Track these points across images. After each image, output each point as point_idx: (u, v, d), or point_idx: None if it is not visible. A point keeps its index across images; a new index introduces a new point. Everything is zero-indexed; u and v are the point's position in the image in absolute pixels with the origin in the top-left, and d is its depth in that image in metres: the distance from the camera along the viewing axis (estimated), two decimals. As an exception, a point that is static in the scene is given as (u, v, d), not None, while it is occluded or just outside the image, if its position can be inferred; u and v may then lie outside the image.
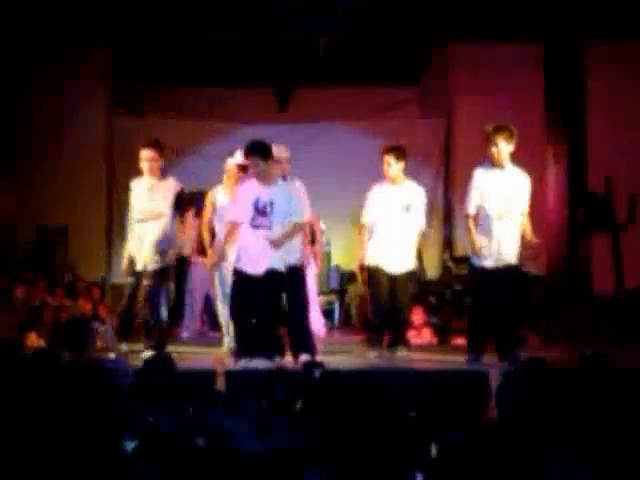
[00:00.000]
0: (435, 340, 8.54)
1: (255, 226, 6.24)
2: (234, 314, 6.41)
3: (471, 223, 6.71)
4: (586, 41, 9.91)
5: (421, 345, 8.11)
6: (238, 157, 7.02)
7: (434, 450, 2.98)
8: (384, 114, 12.48)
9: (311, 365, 4.77)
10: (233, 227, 6.41)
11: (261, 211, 6.25)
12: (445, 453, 2.81)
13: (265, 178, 6.28)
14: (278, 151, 6.62)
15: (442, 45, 11.27)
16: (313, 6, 9.52)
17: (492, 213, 6.58)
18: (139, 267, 6.81)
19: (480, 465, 2.69)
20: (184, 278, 8.91)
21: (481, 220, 6.66)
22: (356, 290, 10.77)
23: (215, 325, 8.17)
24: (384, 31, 10.59)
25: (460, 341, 7.95)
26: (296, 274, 6.58)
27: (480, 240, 6.58)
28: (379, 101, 12.62)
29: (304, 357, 6.27)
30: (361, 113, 12.30)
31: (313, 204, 8.98)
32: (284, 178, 6.71)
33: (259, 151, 6.26)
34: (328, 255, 10.43)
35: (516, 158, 9.40)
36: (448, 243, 11.49)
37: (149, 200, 6.79)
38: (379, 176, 7.30)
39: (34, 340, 7.16)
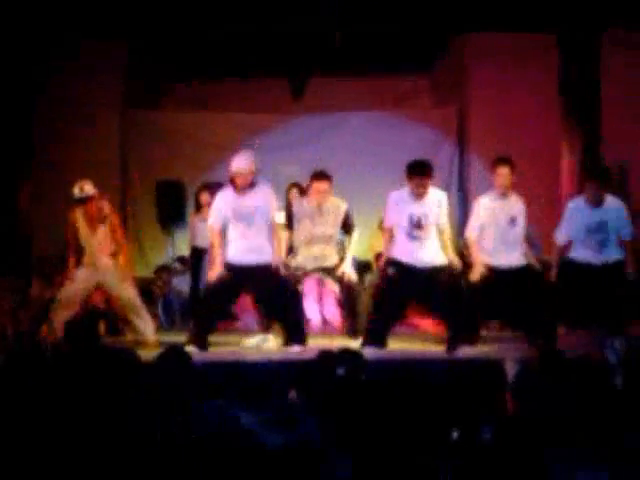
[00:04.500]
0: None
1: None
2: None
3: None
4: (600, 30, 9.85)
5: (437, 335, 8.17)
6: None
7: (455, 435, 2.98)
8: (397, 104, 12.46)
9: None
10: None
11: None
12: (466, 444, 2.81)
13: None
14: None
15: (457, 34, 11.22)
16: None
17: None
18: None
19: (498, 455, 2.69)
20: (199, 270, 8.93)
21: None
22: (371, 280, 10.75)
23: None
24: (398, 21, 10.55)
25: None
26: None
27: None
28: (391, 91, 12.58)
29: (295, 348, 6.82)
30: (374, 103, 12.27)
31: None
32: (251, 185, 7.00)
33: None
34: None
35: (531, 150, 9.44)
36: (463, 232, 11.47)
37: None
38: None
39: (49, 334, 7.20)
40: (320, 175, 7.32)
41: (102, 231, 7.28)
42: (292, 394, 3.71)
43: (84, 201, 7.11)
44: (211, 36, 10.89)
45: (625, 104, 10.20)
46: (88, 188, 7.11)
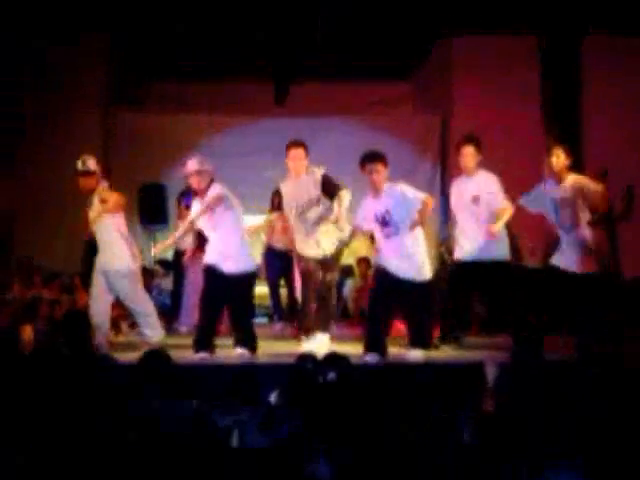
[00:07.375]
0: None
1: None
2: None
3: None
4: (584, 34, 9.90)
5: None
6: None
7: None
8: (378, 110, 12.49)
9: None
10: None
11: None
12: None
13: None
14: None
15: (442, 40, 11.26)
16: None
17: None
18: None
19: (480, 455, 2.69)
20: (182, 272, 8.92)
21: None
22: (353, 284, 10.76)
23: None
24: (381, 27, 10.58)
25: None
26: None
27: None
28: (373, 97, 12.63)
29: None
30: (356, 109, 12.30)
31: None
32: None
33: None
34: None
35: (513, 153, 9.35)
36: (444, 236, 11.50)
37: None
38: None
39: (29, 333, 7.14)
40: (295, 142, 7.33)
41: (96, 206, 7.26)
42: (274, 397, 3.70)
43: (83, 174, 7.09)
44: (197, 35, 10.90)
45: (606, 108, 10.26)
46: (91, 163, 7.12)
